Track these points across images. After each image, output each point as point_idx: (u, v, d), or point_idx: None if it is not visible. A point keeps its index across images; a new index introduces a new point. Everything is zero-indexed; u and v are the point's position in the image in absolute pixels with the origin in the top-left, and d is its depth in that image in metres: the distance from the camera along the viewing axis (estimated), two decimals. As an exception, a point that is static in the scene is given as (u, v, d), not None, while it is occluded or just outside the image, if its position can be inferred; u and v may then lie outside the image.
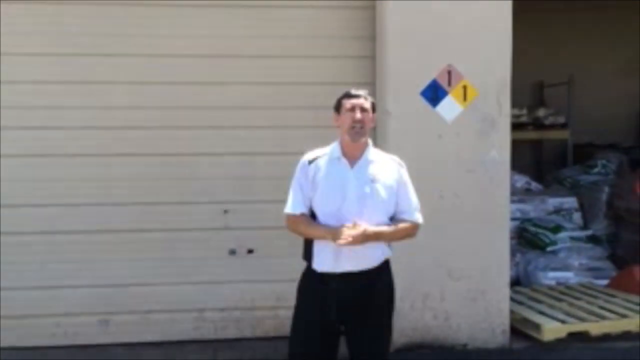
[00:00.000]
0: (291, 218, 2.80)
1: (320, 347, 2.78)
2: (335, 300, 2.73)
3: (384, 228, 2.75)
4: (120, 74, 4.27)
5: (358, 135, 2.75)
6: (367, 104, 2.78)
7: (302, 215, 2.78)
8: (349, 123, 2.74)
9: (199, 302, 4.40)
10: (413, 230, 2.87)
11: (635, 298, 4.89)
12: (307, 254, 2.82)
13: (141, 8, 4.24)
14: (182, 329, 4.40)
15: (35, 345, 4.25)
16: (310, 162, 2.80)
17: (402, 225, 2.81)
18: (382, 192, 2.75)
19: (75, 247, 4.30)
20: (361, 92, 2.82)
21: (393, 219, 2.82)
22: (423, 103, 4.16)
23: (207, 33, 4.31)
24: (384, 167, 2.81)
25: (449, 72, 4.15)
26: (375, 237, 2.71)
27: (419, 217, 2.88)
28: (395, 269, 4.25)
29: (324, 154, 2.82)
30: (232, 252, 4.41)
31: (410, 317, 4.24)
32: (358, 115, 2.73)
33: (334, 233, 2.66)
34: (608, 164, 6.74)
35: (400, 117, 4.17)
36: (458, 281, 4.25)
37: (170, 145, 4.34)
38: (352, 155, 2.79)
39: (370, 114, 2.80)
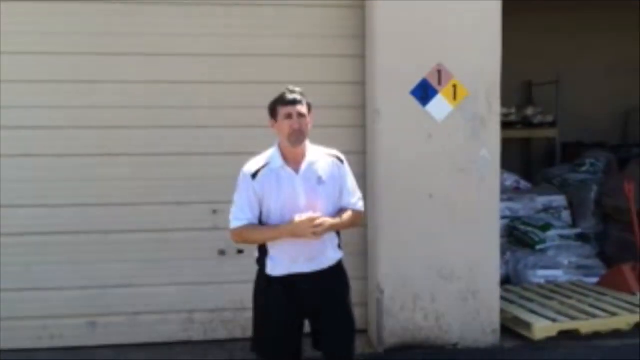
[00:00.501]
0: (241, 229, 2.79)
1: (285, 345, 2.85)
2: (295, 299, 2.79)
3: (336, 220, 2.80)
4: (108, 73, 4.23)
5: (298, 141, 2.74)
6: (304, 109, 2.76)
7: (251, 224, 2.79)
8: (287, 131, 2.73)
9: (188, 303, 4.37)
10: (358, 219, 2.95)
11: (625, 296, 4.91)
12: (261, 260, 2.85)
13: (139, 6, 4.21)
14: (171, 330, 4.37)
15: (21, 347, 4.19)
16: (253, 176, 2.78)
17: (347, 215, 2.86)
18: (329, 191, 2.81)
19: (62, 248, 4.25)
20: (297, 94, 2.76)
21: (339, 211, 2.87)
22: (413, 102, 4.14)
23: (197, 32, 4.27)
24: (326, 164, 2.83)
25: (439, 72, 4.14)
26: (333, 227, 2.78)
27: (362, 206, 2.95)
28: (385, 269, 4.25)
29: (265, 164, 2.80)
30: (222, 252, 4.37)
31: (401, 318, 4.22)
32: (296, 125, 2.71)
33: (291, 230, 2.69)
34: (596, 163, 6.78)
35: (390, 117, 4.15)
36: (448, 281, 4.24)
37: (159, 145, 4.29)
38: (295, 160, 2.79)
39: (308, 117, 2.77)
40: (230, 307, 4.39)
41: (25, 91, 4.16)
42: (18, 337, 4.19)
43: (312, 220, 2.69)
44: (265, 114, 4.25)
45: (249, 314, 4.35)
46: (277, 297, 2.81)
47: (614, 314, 4.52)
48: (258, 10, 4.30)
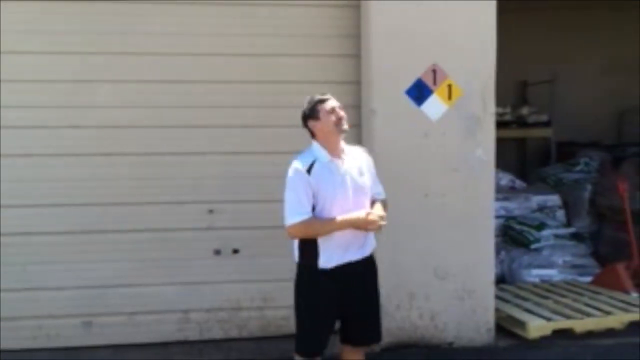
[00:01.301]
0: (304, 223, 2.87)
1: (328, 335, 3.03)
2: (340, 290, 2.95)
3: (383, 210, 3.05)
4: (103, 73, 4.22)
5: (344, 131, 2.99)
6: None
7: (313, 217, 2.90)
8: (334, 122, 2.95)
9: (183, 303, 4.36)
10: (386, 206, 3.16)
11: (619, 295, 4.94)
12: (310, 255, 2.95)
13: (137, 6, 4.20)
14: (166, 330, 4.36)
15: (17, 348, 4.18)
16: (308, 170, 2.91)
17: (382, 205, 3.10)
18: (368, 180, 3.06)
19: (58, 248, 4.24)
20: (327, 94, 3.04)
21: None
22: (408, 102, 4.15)
23: (194, 32, 4.26)
24: (360, 157, 3.10)
25: (434, 71, 4.15)
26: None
27: (385, 195, 3.20)
28: (381, 269, 4.25)
29: (314, 160, 2.94)
30: (217, 252, 4.38)
31: (397, 317, 4.23)
32: (342, 112, 2.99)
33: (360, 221, 2.91)
34: (590, 162, 6.81)
35: (386, 116, 4.16)
36: (443, 280, 4.25)
37: (155, 145, 4.29)
38: (337, 154, 3.00)
39: None
40: (226, 307, 4.39)
41: (22, 90, 4.15)
42: (14, 337, 4.18)
43: (382, 217, 2.96)
44: (261, 113, 4.35)
45: (245, 314, 4.44)
46: (326, 290, 2.94)
47: (608, 313, 4.55)
48: (254, 9, 4.30)
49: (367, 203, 3.02)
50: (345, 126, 2.98)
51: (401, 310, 4.24)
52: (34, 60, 4.15)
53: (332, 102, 2.98)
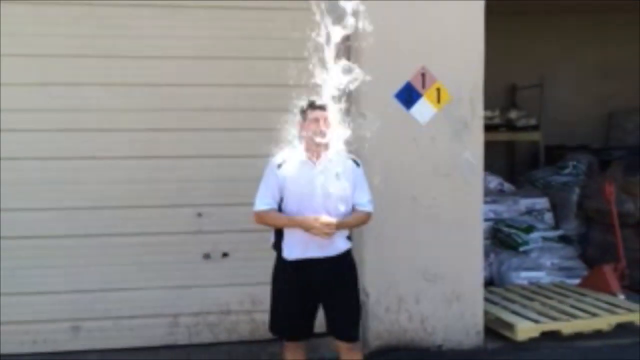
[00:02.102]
0: (262, 213, 3.18)
1: (298, 325, 3.24)
2: (306, 282, 3.15)
3: (345, 219, 3.16)
4: (92, 76, 4.20)
5: (321, 143, 3.10)
6: (330, 115, 3.11)
7: (272, 210, 3.16)
8: (313, 131, 3.10)
9: (172, 307, 4.35)
10: (366, 219, 3.29)
11: (605, 297, 4.98)
12: (277, 245, 3.22)
13: (133, 9, 4.20)
14: (156, 334, 4.34)
15: (4, 353, 4.14)
16: (279, 165, 3.16)
17: (357, 215, 3.22)
18: (344, 187, 3.15)
19: (46, 252, 4.21)
20: (324, 101, 3.09)
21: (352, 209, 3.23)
22: (397, 105, 4.17)
23: (183, 35, 4.25)
24: (343, 164, 3.19)
25: (423, 75, 4.18)
26: (340, 226, 3.12)
27: (370, 207, 3.27)
28: (370, 272, 4.27)
29: (290, 157, 3.17)
30: (207, 256, 4.37)
31: (386, 320, 4.25)
32: (322, 127, 3.08)
33: (305, 225, 3.06)
34: (578, 165, 6.86)
35: (375, 120, 4.17)
36: (432, 283, 4.27)
37: (142, 148, 4.27)
38: (315, 156, 3.15)
39: (331, 124, 3.12)
40: (215, 311, 4.38)
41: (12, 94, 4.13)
42: (1, 342, 4.14)
43: (328, 224, 3.04)
44: (248, 116, 4.34)
45: (234, 317, 4.43)
46: (290, 279, 3.17)
47: (595, 315, 4.59)
48: (244, 13, 4.30)
49: (340, 208, 3.13)
50: (319, 140, 3.07)
51: (390, 313, 4.25)
52: (25, 63, 4.12)
53: (318, 113, 3.08)
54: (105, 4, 4.17)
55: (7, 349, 4.16)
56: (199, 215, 4.33)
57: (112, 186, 4.26)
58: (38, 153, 4.17)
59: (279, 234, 3.23)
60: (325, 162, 3.14)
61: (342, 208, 3.15)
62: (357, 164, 3.25)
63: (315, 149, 3.13)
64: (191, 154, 4.32)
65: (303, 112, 3.15)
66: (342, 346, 3.28)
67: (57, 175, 4.20)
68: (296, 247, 3.14)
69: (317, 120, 3.08)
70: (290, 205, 3.14)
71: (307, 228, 3.06)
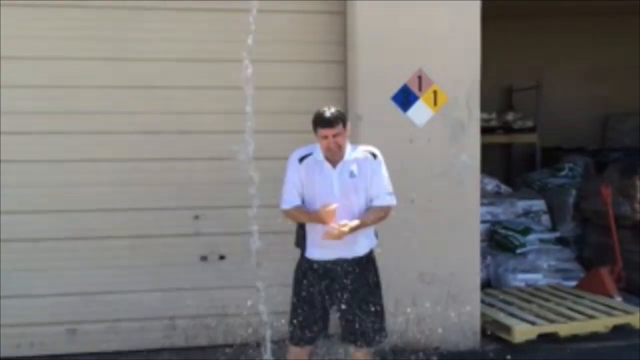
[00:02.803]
0: (290, 211, 3.18)
1: (317, 323, 3.19)
2: (330, 284, 3.14)
3: (357, 221, 3.09)
4: (89, 78, 4.21)
5: (333, 155, 3.14)
6: (339, 129, 3.09)
7: (297, 207, 3.17)
8: (323, 147, 3.12)
9: (169, 310, 4.35)
10: (386, 213, 3.23)
11: (602, 299, 4.99)
12: (300, 243, 3.23)
13: (131, 13, 4.22)
14: (152, 336, 4.34)
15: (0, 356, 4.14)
16: (300, 160, 3.18)
17: (373, 211, 3.17)
18: (361, 183, 3.15)
19: (43, 254, 4.21)
20: (332, 115, 3.07)
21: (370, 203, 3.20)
22: (394, 108, 4.18)
23: (179, 38, 4.27)
24: (360, 162, 3.18)
25: (420, 77, 4.19)
26: (357, 228, 3.08)
27: (390, 200, 3.22)
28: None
29: (310, 154, 3.19)
30: (204, 258, 4.37)
31: (383, 321, 4.24)
32: (331, 145, 3.09)
33: (322, 214, 3.04)
34: (575, 167, 6.88)
35: (372, 122, 4.19)
36: (430, 285, 4.28)
37: (141, 151, 4.28)
38: (333, 159, 3.17)
39: (343, 134, 3.12)
40: (212, 313, 4.37)
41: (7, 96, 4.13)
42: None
43: (340, 231, 3.02)
44: (248, 118, 4.34)
45: (231, 320, 4.42)
46: (314, 282, 3.15)
47: (592, 317, 4.60)
48: (240, 16, 4.28)
49: (358, 201, 3.14)
50: (332, 151, 3.10)
51: (387, 315, 4.23)
52: (18, 66, 4.12)
53: (326, 131, 3.07)
54: (104, 6, 4.17)
55: (4, 352, 4.15)
56: (196, 217, 4.34)
57: (110, 188, 4.26)
58: (35, 156, 4.17)
59: (301, 233, 3.22)
60: (342, 163, 3.15)
61: (361, 204, 3.14)
62: (375, 156, 3.21)
63: (330, 156, 3.15)
64: (188, 157, 4.33)
65: (313, 125, 3.13)
66: (358, 352, 3.25)
67: (54, 178, 4.20)
68: (320, 247, 3.12)
69: (325, 137, 3.08)
70: (310, 202, 3.15)
71: (325, 221, 3.03)
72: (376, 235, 3.27)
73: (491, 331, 4.50)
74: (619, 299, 5.07)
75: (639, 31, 7.51)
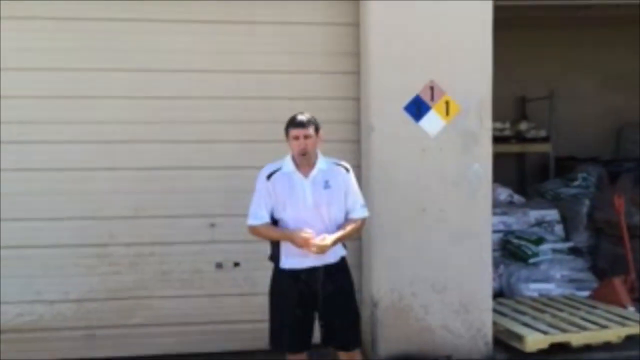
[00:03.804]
0: (256, 227, 3.28)
1: (297, 335, 3.27)
2: (305, 291, 3.23)
3: (339, 233, 3.25)
4: (107, 89, 4.31)
5: (304, 157, 3.23)
6: (310, 130, 3.21)
7: (265, 224, 3.26)
8: (295, 149, 3.22)
9: (185, 316, 4.42)
10: (361, 225, 3.40)
11: (615, 309, 4.97)
12: (275, 256, 3.32)
13: (138, 24, 4.30)
14: (168, 342, 4.41)
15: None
16: (268, 177, 3.27)
17: (351, 224, 3.31)
18: (335, 195, 3.26)
19: (60, 261, 4.31)
20: (304, 117, 3.21)
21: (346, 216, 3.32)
22: (407, 118, 4.23)
23: (197, 48, 4.37)
24: (333, 172, 3.29)
25: (432, 88, 4.24)
26: (336, 241, 3.23)
27: (364, 212, 3.38)
28: (379, 281, 4.32)
29: (279, 168, 3.28)
30: (219, 265, 4.44)
31: (395, 330, 4.28)
32: (302, 145, 3.20)
33: (297, 240, 3.15)
34: (588, 177, 6.87)
35: (384, 132, 4.24)
36: (442, 294, 4.30)
37: (157, 159, 4.37)
38: (305, 168, 3.27)
39: (314, 138, 3.23)
40: (228, 320, 4.44)
41: (20, 106, 4.23)
42: (17, 350, 4.23)
43: (320, 243, 3.13)
44: (262, 128, 4.43)
45: (246, 326, 4.48)
46: (290, 290, 3.24)
47: (604, 327, 4.58)
48: (255, 28, 4.40)
49: (328, 212, 3.24)
50: (302, 151, 3.19)
51: (400, 323, 4.28)
52: (32, 76, 4.23)
53: (297, 131, 3.19)
54: (104, 18, 4.26)
55: (20, 356, 4.23)
56: (212, 225, 4.41)
57: (127, 197, 4.36)
58: (52, 165, 4.27)
59: (275, 245, 3.32)
60: (314, 172, 3.25)
61: (335, 215, 3.26)
62: (347, 170, 3.34)
63: (302, 163, 3.25)
64: (204, 165, 4.42)
65: (285, 129, 3.25)
66: (344, 354, 3.37)
67: (71, 187, 4.30)
68: (294, 257, 3.23)
69: (296, 138, 3.19)
70: (281, 213, 3.24)
71: (297, 246, 3.15)
72: (344, 245, 3.39)
73: (503, 340, 4.51)
74: (632, 309, 5.05)
75: (653, 42, 7.53)
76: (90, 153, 4.32)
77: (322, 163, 3.29)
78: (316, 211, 3.21)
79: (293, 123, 3.22)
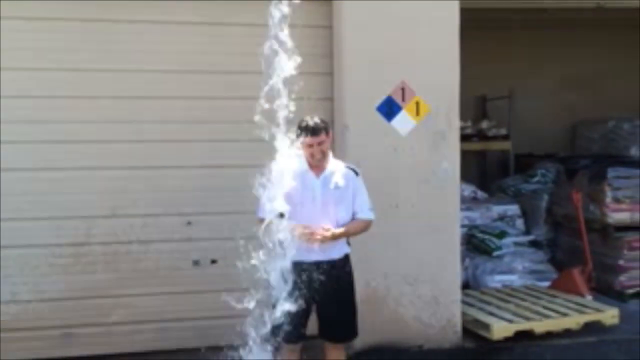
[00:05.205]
0: (260, 221, 3.30)
1: (299, 323, 3.34)
2: (308, 284, 3.31)
3: (345, 228, 3.36)
4: (84, 89, 4.32)
5: (317, 162, 3.35)
6: (322, 137, 3.30)
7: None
8: (308, 156, 3.32)
9: (162, 313, 4.46)
10: (367, 225, 3.50)
11: (574, 298, 5.23)
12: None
13: (128, 25, 4.35)
14: (146, 339, 4.44)
15: (-3, 360, 4.22)
16: (282, 172, 3.25)
17: (357, 223, 3.43)
18: (344, 195, 3.37)
19: (36, 260, 4.30)
20: (316, 123, 3.28)
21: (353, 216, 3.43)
22: (379, 118, 4.38)
23: (173, 50, 4.42)
24: (343, 176, 3.40)
25: (403, 89, 4.40)
26: (340, 235, 3.35)
27: (371, 215, 3.49)
28: (354, 276, 4.42)
29: (294, 165, 3.32)
30: (196, 262, 4.50)
31: (368, 321, 4.38)
32: (315, 153, 3.30)
33: (306, 233, 3.23)
34: (547, 173, 7.13)
35: (358, 131, 4.38)
36: (413, 286, 4.47)
37: (134, 159, 4.41)
38: (317, 169, 3.38)
39: (326, 142, 3.33)
40: (205, 316, 4.49)
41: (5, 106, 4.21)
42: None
43: (324, 233, 3.23)
44: (238, 128, 4.46)
45: (223, 322, 4.52)
46: (294, 282, 3.28)
47: (565, 315, 4.82)
48: (230, 29, 4.47)
49: (336, 212, 3.35)
50: (317, 159, 3.30)
51: (373, 315, 4.42)
52: (16, 76, 4.21)
53: (310, 140, 3.27)
54: (102, 19, 4.30)
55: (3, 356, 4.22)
56: (189, 223, 4.47)
57: (104, 196, 4.38)
58: (32, 164, 4.27)
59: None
60: (326, 173, 3.37)
61: (343, 216, 3.38)
62: (357, 173, 3.46)
63: (314, 164, 3.36)
64: (181, 164, 4.47)
65: (297, 135, 3.30)
66: (331, 346, 3.48)
67: (49, 186, 4.29)
68: (299, 250, 3.29)
69: (310, 146, 3.28)
70: (294, 210, 3.29)
71: (302, 237, 3.24)
72: (349, 244, 3.50)
73: (471, 329, 4.71)
74: (589, 298, 5.30)
75: (606, 43, 7.86)
76: (65, 153, 4.31)
77: (333, 165, 3.40)
78: (324, 210, 3.31)
79: (305, 130, 3.27)
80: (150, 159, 4.42)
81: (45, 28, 4.23)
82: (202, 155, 4.50)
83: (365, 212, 3.44)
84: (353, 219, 3.43)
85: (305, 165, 3.35)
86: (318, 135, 3.28)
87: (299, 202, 3.31)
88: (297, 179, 3.31)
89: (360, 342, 4.39)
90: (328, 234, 3.26)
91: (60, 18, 4.24)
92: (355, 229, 3.43)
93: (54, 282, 4.33)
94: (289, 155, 3.28)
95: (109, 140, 4.37)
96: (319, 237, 3.24)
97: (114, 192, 4.39)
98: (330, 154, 3.41)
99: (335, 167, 3.40)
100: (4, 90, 4.18)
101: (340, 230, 3.33)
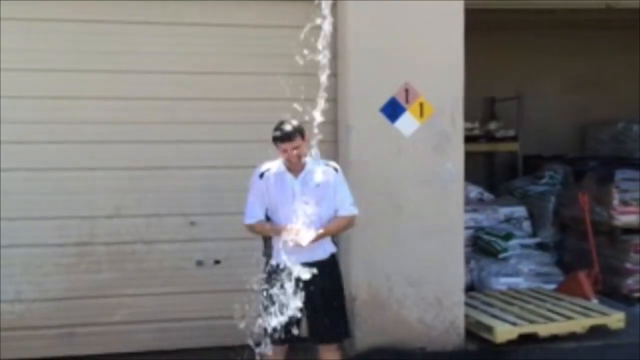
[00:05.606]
0: (249, 226, 3.49)
1: (286, 325, 3.32)
2: (297, 286, 3.27)
3: (327, 227, 3.40)
4: (88, 90, 4.35)
5: (294, 165, 3.39)
6: (297, 142, 3.33)
7: (260, 221, 3.45)
8: (284, 157, 3.36)
9: (166, 313, 4.48)
10: (350, 221, 3.53)
11: (580, 301, 5.18)
12: (267, 251, 3.47)
13: (124, 26, 4.36)
14: (149, 339, 4.46)
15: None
16: (260, 176, 3.44)
17: (338, 220, 3.46)
18: (324, 193, 3.40)
19: (40, 260, 4.32)
20: (290, 128, 3.31)
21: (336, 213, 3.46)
22: (383, 119, 4.37)
23: (176, 50, 4.43)
24: (323, 174, 3.42)
25: (407, 90, 4.39)
26: (323, 235, 3.36)
27: (353, 210, 3.50)
28: (357, 277, 4.44)
29: (270, 168, 3.44)
30: (200, 263, 4.51)
31: (372, 323, 4.41)
32: (291, 158, 3.34)
33: (279, 232, 3.31)
34: (555, 175, 7.08)
35: (362, 132, 4.38)
36: (417, 288, 4.45)
37: (138, 159, 4.43)
38: (295, 169, 3.42)
39: (302, 146, 3.35)
40: (207, 317, 4.50)
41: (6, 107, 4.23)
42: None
43: (305, 233, 3.25)
44: (242, 129, 4.51)
45: (225, 322, 4.54)
46: (282, 284, 3.29)
47: (570, 318, 4.78)
48: (236, 30, 4.48)
49: (321, 212, 3.37)
50: (293, 162, 3.34)
51: (376, 317, 4.42)
52: (18, 77, 4.24)
53: (284, 145, 3.31)
54: (103, 20, 4.31)
55: (4, 355, 4.25)
56: (192, 223, 4.48)
57: (108, 196, 4.40)
58: (35, 164, 4.29)
59: (268, 241, 3.47)
60: (304, 173, 3.40)
61: (324, 214, 3.40)
62: (336, 170, 3.49)
63: (292, 166, 3.39)
64: (185, 165, 4.48)
65: (273, 140, 3.35)
66: (324, 347, 3.48)
67: (54, 186, 4.32)
68: (285, 253, 3.30)
69: (285, 151, 3.33)
70: (274, 211, 3.41)
71: (288, 237, 3.26)
72: (335, 243, 3.53)
73: (474, 332, 4.68)
74: (595, 301, 5.26)
75: (615, 44, 7.80)
76: (70, 153, 4.34)
77: (311, 164, 3.43)
78: (305, 209, 3.32)
79: (279, 137, 3.32)
80: (154, 160, 4.44)
81: (45, 29, 4.25)
82: (205, 155, 4.51)
83: (347, 208, 3.46)
84: (335, 216, 3.44)
85: (283, 168, 3.40)
86: (293, 140, 3.31)
87: (279, 203, 3.37)
88: (275, 181, 3.38)
89: (362, 343, 4.40)
90: (309, 233, 3.27)
91: (62, 19, 4.26)
92: (335, 227, 3.45)
93: (57, 282, 4.35)
94: (267, 162, 3.40)
95: (113, 141, 4.39)
96: (298, 236, 3.25)
97: (117, 192, 4.41)
98: (313, 153, 3.41)
99: (314, 166, 3.42)
100: (4, 90, 4.20)
101: (321, 231, 3.35)
